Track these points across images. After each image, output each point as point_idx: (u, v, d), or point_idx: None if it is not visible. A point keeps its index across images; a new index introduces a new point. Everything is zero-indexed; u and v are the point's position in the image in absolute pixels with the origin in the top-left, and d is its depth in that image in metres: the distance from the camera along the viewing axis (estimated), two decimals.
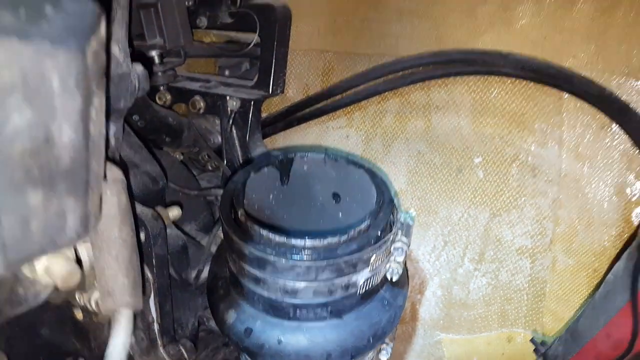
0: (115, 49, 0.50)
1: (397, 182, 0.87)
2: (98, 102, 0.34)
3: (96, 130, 0.34)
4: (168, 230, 0.59)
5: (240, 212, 0.53)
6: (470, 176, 0.80)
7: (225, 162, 0.90)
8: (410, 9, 0.83)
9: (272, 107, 1.00)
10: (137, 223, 0.52)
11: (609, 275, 0.67)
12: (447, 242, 0.83)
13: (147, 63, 0.74)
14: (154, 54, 0.79)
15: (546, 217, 0.74)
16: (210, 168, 0.90)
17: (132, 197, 0.47)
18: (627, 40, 0.69)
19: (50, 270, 0.39)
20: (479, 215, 0.79)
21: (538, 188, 0.75)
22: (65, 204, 0.31)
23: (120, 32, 0.51)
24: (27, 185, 0.27)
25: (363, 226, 0.50)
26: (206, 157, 0.90)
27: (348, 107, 0.91)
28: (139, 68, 0.54)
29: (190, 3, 0.91)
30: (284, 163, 0.64)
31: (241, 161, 0.92)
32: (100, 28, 0.32)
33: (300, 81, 0.99)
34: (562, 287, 0.77)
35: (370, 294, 0.53)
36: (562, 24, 0.72)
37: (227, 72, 1.05)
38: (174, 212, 0.66)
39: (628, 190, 0.71)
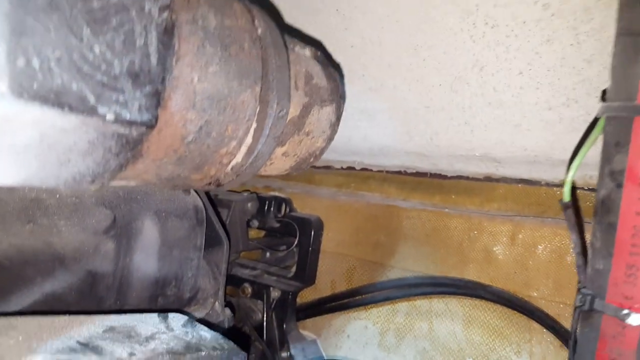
0: (217, 305, 0.75)
1: None
2: None
3: None
4: None
5: None
6: None
7: (265, 339, 1.13)
8: (414, 236, 1.10)
9: (303, 293, 1.24)
10: None
11: None
12: None
13: None
14: None
15: None
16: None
17: None
18: (575, 278, 0.93)
19: None
20: None
21: None
22: None
23: (221, 291, 0.76)
24: None
25: None
26: (248, 331, 1.13)
27: None
28: (228, 312, 0.79)
29: (249, 217, 1.19)
30: None
31: (278, 340, 1.15)
32: None
33: (328, 277, 1.23)
34: None
35: None
36: (527, 263, 0.96)
37: (268, 254, 1.30)
38: None
39: None
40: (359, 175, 1.24)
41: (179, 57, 0.36)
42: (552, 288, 0.93)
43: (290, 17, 0.96)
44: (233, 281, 1.13)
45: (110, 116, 0.32)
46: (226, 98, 0.40)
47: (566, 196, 0.58)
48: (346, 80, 0.97)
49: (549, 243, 0.95)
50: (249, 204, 1.19)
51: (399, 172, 1.15)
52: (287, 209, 1.22)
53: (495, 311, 0.99)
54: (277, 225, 1.21)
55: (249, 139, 0.45)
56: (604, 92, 0.53)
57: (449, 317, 1.04)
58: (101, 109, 0.31)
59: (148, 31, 0.33)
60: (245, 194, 1.20)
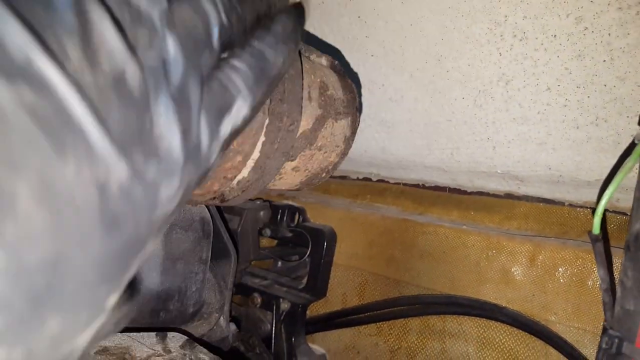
0: (222, 320, 0.72)
1: None
2: None
3: None
4: None
5: None
6: None
7: (272, 351, 1.10)
8: (429, 252, 1.06)
9: (314, 306, 1.21)
10: None
11: None
12: None
13: None
14: None
15: None
16: (257, 351, 1.10)
17: None
18: (596, 304, 0.88)
19: None
20: None
21: None
22: None
23: (226, 306, 0.74)
24: None
25: None
26: (256, 342, 1.10)
27: None
28: (233, 328, 0.76)
29: (261, 226, 1.17)
30: None
31: (286, 353, 1.12)
32: None
33: (339, 290, 1.20)
34: None
35: None
36: (546, 286, 0.92)
37: (279, 264, 1.28)
38: None
39: None
40: (375, 187, 1.21)
41: None
42: (571, 313, 0.89)
43: (310, 23, 0.94)
44: (243, 290, 1.11)
45: None
46: None
47: (596, 228, 0.54)
48: (366, 90, 0.94)
49: (570, 266, 0.90)
50: (262, 213, 1.16)
51: (417, 186, 1.12)
52: (300, 219, 1.19)
53: (511, 334, 0.95)
54: (289, 234, 1.18)
55: (256, 153, 0.42)
56: None
57: (462, 338, 1.00)
58: None
59: None
60: (258, 201, 1.17)
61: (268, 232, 1.17)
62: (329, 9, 0.89)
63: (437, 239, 1.06)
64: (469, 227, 1.03)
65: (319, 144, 0.52)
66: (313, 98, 0.49)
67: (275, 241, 1.22)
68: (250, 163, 0.42)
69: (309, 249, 1.14)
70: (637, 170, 0.53)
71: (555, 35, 0.69)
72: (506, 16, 0.70)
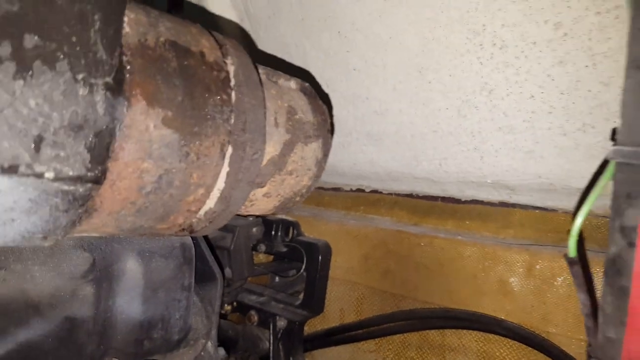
0: (209, 345, 0.71)
1: None
2: None
3: None
4: None
5: None
6: None
7: None
8: (426, 265, 1.04)
9: (312, 321, 1.19)
10: None
11: None
12: None
13: None
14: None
15: None
16: None
17: None
18: None
19: None
20: None
21: None
22: None
23: (214, 331, 0.72)
24: None
25: None
26: None
27: None
28: (222, 353, 0.75)
29: (255, 242, 1.15)
30: None
31: None
32: None
33: (336, 305, 1.19)
34: None
35: None
36: (545, 296, 0.90)
37: (277, 279, 1.26)
38: None
39: None
40: (368, 198, 1.19)
41: (132, 104, 0.32)
42: (573, 324, 0.87)
43: (292, 39, 0.93)
44: (240, 308, 1.09)
45: (49, 174, 0.28)
46: (189, 144, 0.37)
47: (572, 251, 0.52)
48: (350, 104, 0.93)
49: (569, 275, 0.88)
50: (255, 229, 1.15)
51: (410, 195, 1.10)
52: (295, 233, 1.18)
53: (512, 347, 0.93)
54: (284, 249, 1.16)
55: (220, 184, 0.41)
56: (614, 131, 0.47)
57: (462, 353, 0.98)
58: (38, 167, 0.28)
59: (94, 77, 0.30)
60: (251, 218, 1.16)
61: (263, 247, 1.16)
62: (309, 25, 0.88)
63: (432, 250, 1.04)
64: (464, 238, 1.01)
65: (290, 169, 0.51)
66: (280, 123, 0.48)
67: (272, 257, 1.21)
68: (215, 194, 0.42)
69: (304, 264, 1.12)
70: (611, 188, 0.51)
71: (535, 42, 0.68)
72: (484, 25, 0.69)
